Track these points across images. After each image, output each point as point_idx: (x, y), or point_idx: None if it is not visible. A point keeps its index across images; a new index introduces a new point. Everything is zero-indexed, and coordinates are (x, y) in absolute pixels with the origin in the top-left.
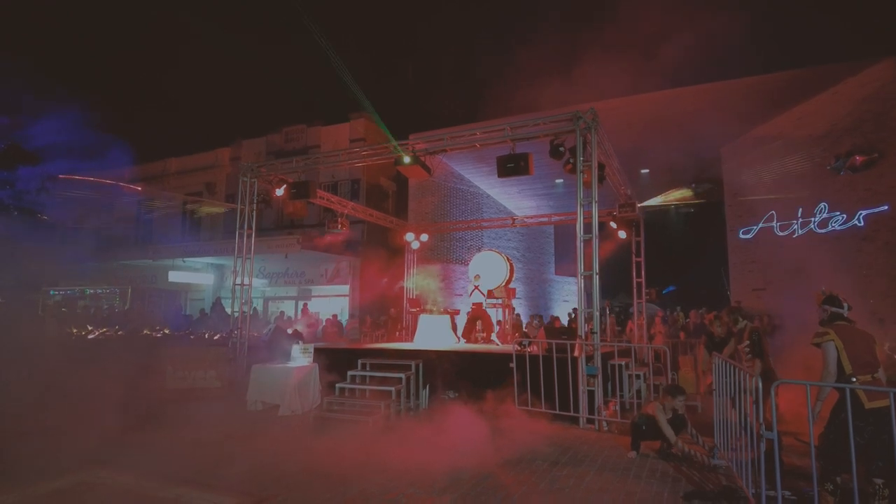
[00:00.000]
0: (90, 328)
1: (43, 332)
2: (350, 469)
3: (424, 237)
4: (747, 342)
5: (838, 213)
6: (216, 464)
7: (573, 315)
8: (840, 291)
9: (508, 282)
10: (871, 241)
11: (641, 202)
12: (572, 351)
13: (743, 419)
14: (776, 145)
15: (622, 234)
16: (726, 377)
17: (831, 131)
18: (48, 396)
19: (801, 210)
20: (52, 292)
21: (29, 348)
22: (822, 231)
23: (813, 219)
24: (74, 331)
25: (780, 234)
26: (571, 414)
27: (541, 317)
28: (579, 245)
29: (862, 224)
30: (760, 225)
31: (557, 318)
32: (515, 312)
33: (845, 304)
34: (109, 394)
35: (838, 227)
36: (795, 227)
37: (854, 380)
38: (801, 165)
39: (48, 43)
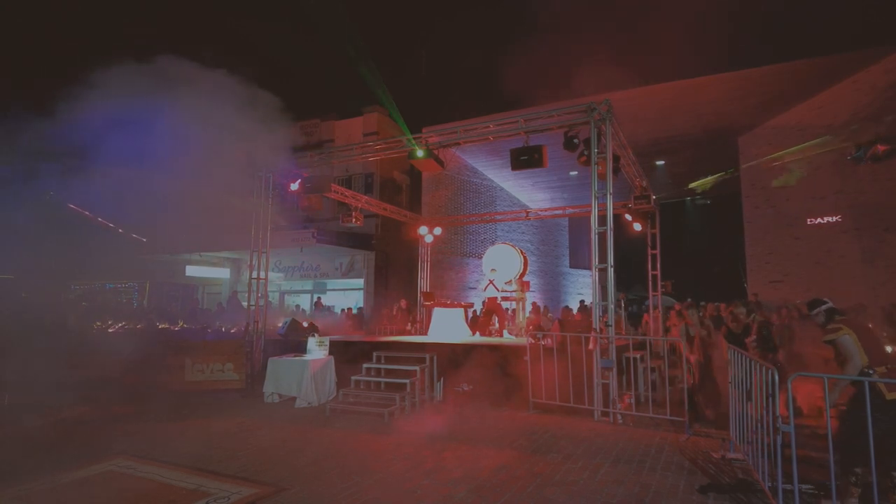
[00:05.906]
0: (110, 322)
1: (65, 325)
2: (365, 460)
3: (438, 230)
4: (754, 337)
5: (860, 203)
6: (234, 455)
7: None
8: (862, 283)
9: (522, 275)
10: (893, 232)
11: (657, 194)
12: (587, 344)
13: (759, 412)
14: (795, 135)
15: (637, 227)
16: (742, 370)
17: (852, 120)
18: (72, 389)
19: (821, 201)
20: (73, 286)
21: (52, 341)
22: (843, 222)
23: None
24: (97, 324)
25: (800, 225)
26: (586, 407)
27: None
28: (594, 237)
29: (884, 215)
30: (778, 216)
31: (570, 310)
32: (541, 305)
33: (826, 299)
34: (131, 387)
35: (859, 218)
36: (815, 217)
37: (871, 372)
38: (820, 155)
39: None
